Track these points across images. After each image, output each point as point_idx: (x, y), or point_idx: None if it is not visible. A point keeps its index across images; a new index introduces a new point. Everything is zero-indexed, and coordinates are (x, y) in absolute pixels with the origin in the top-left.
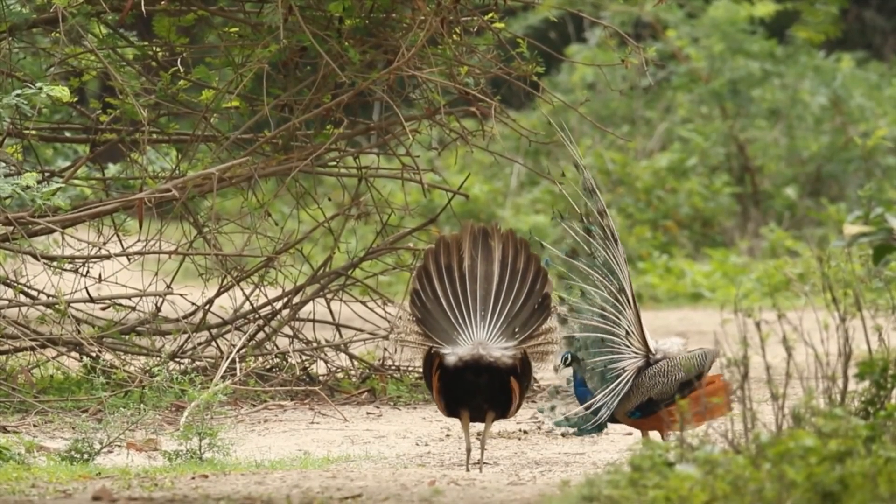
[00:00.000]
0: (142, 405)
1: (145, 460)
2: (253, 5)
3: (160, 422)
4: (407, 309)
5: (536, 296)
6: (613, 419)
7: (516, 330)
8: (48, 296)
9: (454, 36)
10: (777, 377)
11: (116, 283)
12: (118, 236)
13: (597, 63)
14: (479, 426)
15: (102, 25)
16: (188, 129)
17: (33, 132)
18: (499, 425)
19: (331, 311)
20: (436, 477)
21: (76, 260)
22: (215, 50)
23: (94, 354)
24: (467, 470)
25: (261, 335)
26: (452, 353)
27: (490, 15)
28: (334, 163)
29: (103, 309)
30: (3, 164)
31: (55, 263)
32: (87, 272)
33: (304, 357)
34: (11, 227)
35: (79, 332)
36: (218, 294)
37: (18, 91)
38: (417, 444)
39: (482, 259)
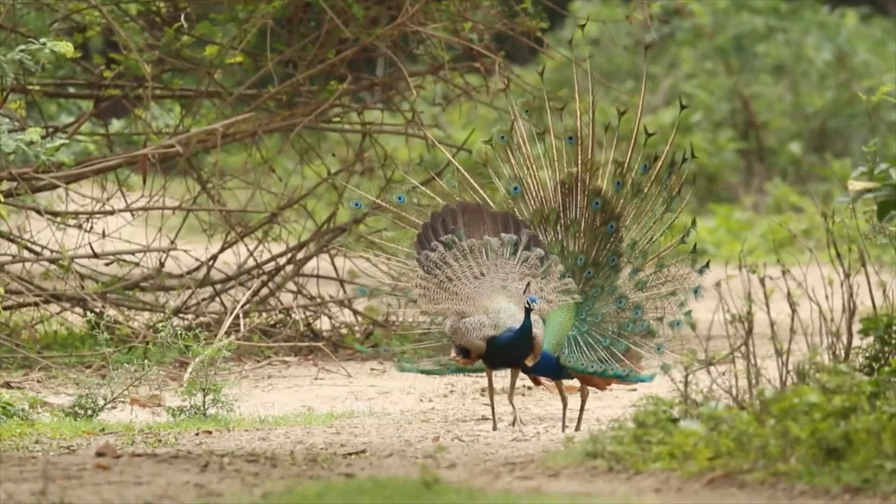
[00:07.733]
0: (146, 361)
1: (149, 416)
2: None
3: (164, 378)
4: None
5: None
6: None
7: None
8: (52, 251)
9: None
10: (781, 333)
11: (120, 238)
12: (122, 192)
13: (601, 19)
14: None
15: None
16: (192, 84)
17: (37, 88)
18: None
19: (334, 267)
20: (440, 433)
21: (80, 215)
22: (219, 5)
23: (97, 310)
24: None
25: (265, 291)
26: None
27: None
28: (338, 118)
29: (107, 265)
30: (7, 120)
31: (59, 219)
32: (91, 228)
33: (308, 313)
34: (15, 183)
35: (83, 288)
36: (222, 250)
37: (22, 46)
38: (421, 401)
39: None
